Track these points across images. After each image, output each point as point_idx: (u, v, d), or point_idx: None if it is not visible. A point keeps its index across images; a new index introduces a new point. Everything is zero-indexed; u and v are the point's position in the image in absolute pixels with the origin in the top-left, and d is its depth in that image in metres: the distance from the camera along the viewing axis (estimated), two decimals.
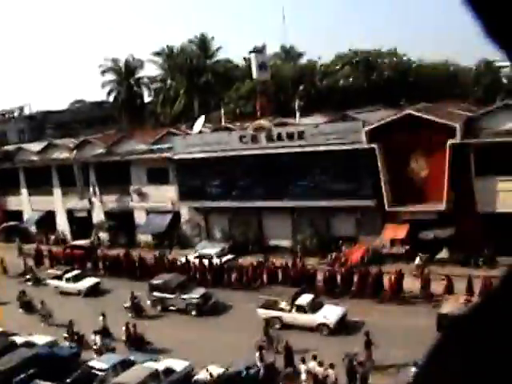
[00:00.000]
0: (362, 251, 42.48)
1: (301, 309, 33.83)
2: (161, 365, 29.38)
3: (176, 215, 52.71)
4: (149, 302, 39.50)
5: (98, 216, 58.05)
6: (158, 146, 52.58)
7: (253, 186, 47.61)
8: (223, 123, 54.88)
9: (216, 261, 44.07)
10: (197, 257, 45.08)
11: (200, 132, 51.49)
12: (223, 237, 50.07)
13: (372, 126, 42.03)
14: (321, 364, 27.10)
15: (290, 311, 34.12)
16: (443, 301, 32.54)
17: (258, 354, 28.71)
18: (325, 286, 38.22)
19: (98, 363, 30.45)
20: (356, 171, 43.37)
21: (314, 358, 27.65)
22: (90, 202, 58.22)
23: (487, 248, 39.18)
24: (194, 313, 38.07)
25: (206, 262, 43.85)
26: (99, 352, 32.50)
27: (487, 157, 39.11)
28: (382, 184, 41.63)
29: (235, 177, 48.66)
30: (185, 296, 38.42)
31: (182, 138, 51.20)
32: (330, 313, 33.60)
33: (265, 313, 34.51)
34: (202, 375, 27.62)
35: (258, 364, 28.53)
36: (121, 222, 55.71)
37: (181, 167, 50.71)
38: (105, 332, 34.62)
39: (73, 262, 49.16)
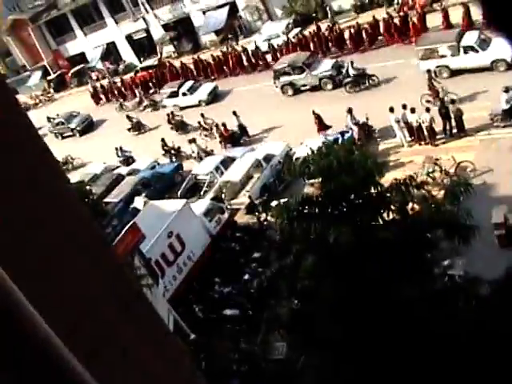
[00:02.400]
0: None
1: (470, 49, 30.28)
2: (260, 153, 30.03)
3: (232, 5, 51.04)
4: (278, 90, 37.73)
5: (157, 32, 57.06)
6: None
7: None
8: None
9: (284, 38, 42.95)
10: (264, 40, 44.11)
11: None
12: (285, 13, 48.27)
13: None
14: (413, 111, 26.68)
15: (456, 55, 30.64)
16: None
17: (349, 117, 28.57)
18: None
19: (201, 169, 31.47)
20: None
21: (404, 107, 27.16)
22: (145, 21, 57.12)
23: None
24: (329, 86, 35.68)
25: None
26: (199, 158, 33.35)
27: None
28: None
29: None
30: (315, 72, 36.10)
31: None
32: (504, 46, 28.90)
33: (428, 64, 30.95)
34: (300, 152, 27.66)
35: (352, 127, 28.52)
36: (181, 31, 54.85)
37: None
38: (242, 128, 34.45)
39: (147, 84, 49.14)
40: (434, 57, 31.12)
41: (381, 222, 12.93)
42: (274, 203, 23.03)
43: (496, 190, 22.87)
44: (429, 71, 29.71)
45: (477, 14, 33.11)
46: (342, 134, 27.90)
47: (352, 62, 34.29)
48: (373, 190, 12.77)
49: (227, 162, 30.39)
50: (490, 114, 26.01)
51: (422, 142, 27.25)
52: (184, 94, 42.37)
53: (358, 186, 12.51)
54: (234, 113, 34.39)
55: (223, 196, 28.54)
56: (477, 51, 30.01)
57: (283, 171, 22.19)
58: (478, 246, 14.01)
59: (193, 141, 33.77)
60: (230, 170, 29.42)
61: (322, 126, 30.16)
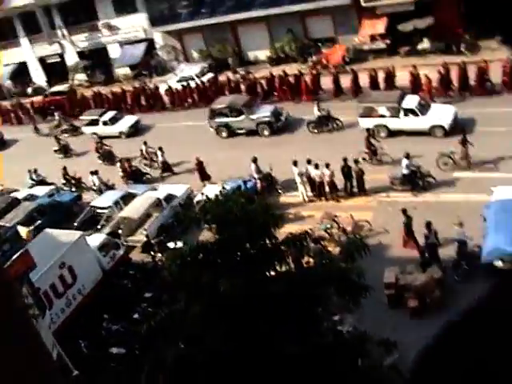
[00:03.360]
0: (342, 51, 41.83)
1: (410, 112, 30.70)
2: (161, 192, 30.01)
3: (150, 43, 51.36)
4: (212, 130, 36.99)
5: (71, 58, 56.44)
6: None
7: (223, 0, 45.90)
8: None
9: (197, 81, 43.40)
10: (178, 81, 44.43)
11: None
12: (201, 57, 48.97)
13: None
14: (317, 166, 27.56)
15: (396, 116, 31.15)
16: None
17: (253, 167, 29.06)
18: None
19: (101, 202, 31.12)
20: None
21: (308, 162, 27.99)
22: (61, 46, 56.41)
23: (468, 33, 38.44)
24: (266, 132, 35.53)
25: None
26: (99, 191, 32.96)
27: None
28: None
29: None
30: (254, 116, 35.74)
31: None
32: (443, 113, 30.64)
33: (368, 122, 31.49)
34: (200, 197, 27.85)
35: (255, 176, 29.08)
36: (95, 60, 54.42)
37: None
38: (165, 165, 34.06)
39: (55, 109, 47.96)
40: (373, 115, 31.74)
41: (274, 274, 13.15)
42: (170, 244, 23.15)
43: (390, 250, 23.80)
44: (368, 130, 30.20)
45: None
46: (245, 182, 28.35)
47: (318, 103, 34.62)
48: (268, 242, 13.02)
49: (128, 198, 30.14)
50: (390, 178, 27.13)
51: (323, 198, 28.06)
52: (105, 124, 41.79)
53: (253, 237, 12.66)
54: (160, 148, 34.04)
55: (120, 232, 28.29)
56: (417, 115, 30.58)
57: (181, 214, 22.19)
58: (368, 303, 14.51)
59: (94, 173, 33.38)
60: (130, 207, 29.14)
61: (202, 175, 30.97)
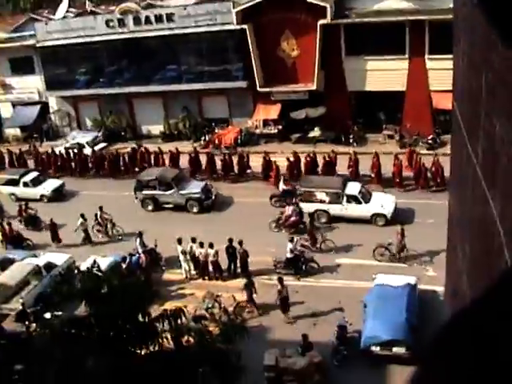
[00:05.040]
0: (235, 133, 42.84)
1: (353, 199, 30.75)
2: (41, 260, 29.00)
3: (44, 106, 50.50)
4: (136, 201, 35.80)
5: None
6: (19, 34, 49.56)
7: (122, 72, 46.49)
8: (88, 7, 52.23)
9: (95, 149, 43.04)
10: (68, 147, 43.86)
11: (64, 17, 49.08)
12: (94, 125, 48.67)
13: (242, 7, 41.05)
14: (201, 245, 27.66)
15: (338, 202, 31.06)
16: None
17: (138, 241, 28.80)
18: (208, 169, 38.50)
19: None
20: (227, 53, 43.11)
21: (193, 240, 28.03)
22: None
23: (357, 126, 40.57)
24: (195, 209, 34.71)
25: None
26: None
27: (357, 37, 39.41)
28: (254, 65, 41.40)
29: (103, 63, 47.11)
30: (184, 191, 34.92)
31: (45, 24, 47.90)
32: (385, 201, 30.85)
33: (309, 206, 31.24)
34: (84, 266, 27.19)
35: (139, 250, 28.69)
36: None
37: (46, 55, 48.00)
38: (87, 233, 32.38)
39: None
40: (315, 200, 31.29)
41: (150, 352, 12.91)
42: (47, 315, 22.33)
43: (271, 332, 23.98)
44: (311, 215, 30.00)
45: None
46: (130, 255, 28.02)
47: (285, 178, 34.44)
48: (141, 319, 12.79)
49: (5, 264, 28.88)
50: (274, 261, 27.48)
51: (206, 277, 28.08)
52: (25, 185, 38.95)
53: (126, 313, 12.48)
54: (82, 215, 32.17)
55: None
56: (359, 202, 30.51)
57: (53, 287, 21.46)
58: None
59: None
60: (7, 273, 27.88)
61: (53, 236, 32.04)
